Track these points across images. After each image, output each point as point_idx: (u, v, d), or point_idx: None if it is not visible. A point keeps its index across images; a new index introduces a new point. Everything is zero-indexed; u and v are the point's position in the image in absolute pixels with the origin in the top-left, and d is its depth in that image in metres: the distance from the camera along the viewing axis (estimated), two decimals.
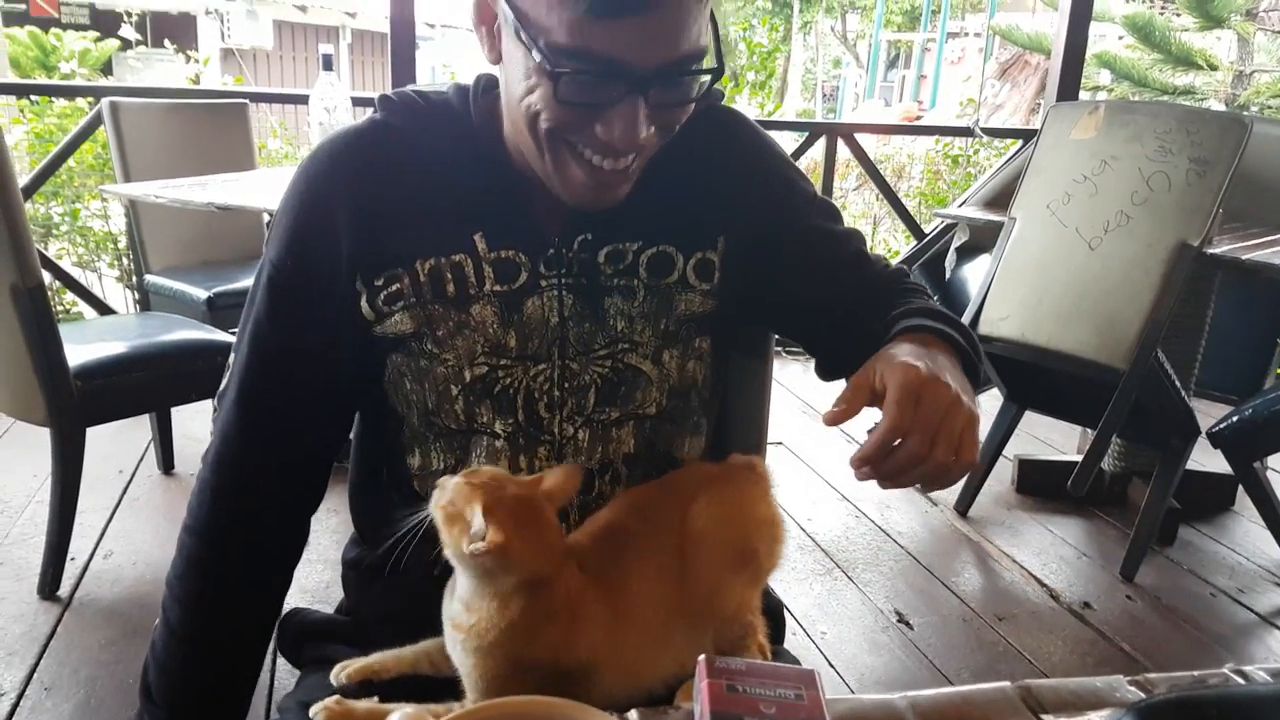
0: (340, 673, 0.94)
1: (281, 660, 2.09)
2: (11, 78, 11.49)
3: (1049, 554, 3.04)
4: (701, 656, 0.66)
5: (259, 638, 1.14)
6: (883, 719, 0.71)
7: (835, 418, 0.87)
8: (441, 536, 0.82)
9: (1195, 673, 0.68)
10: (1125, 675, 0.70)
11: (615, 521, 0.92)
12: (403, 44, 3.84)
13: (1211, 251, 2.68)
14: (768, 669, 0.64)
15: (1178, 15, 8.02)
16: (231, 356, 1.12)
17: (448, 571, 1.06)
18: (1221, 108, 7.50)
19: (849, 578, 2.82)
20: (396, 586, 1.12)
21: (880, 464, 0.86)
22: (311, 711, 0.86)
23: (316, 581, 2.50)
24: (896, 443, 0.85)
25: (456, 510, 0.80)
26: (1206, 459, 3.20)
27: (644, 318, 1.06)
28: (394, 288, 1.03)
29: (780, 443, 3.80)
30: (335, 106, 2.91)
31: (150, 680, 1.10)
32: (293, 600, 1.19)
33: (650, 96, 0.91)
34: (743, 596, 0.92)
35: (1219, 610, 2.76)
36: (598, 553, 0.88)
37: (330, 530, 2.64)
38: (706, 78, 0.95)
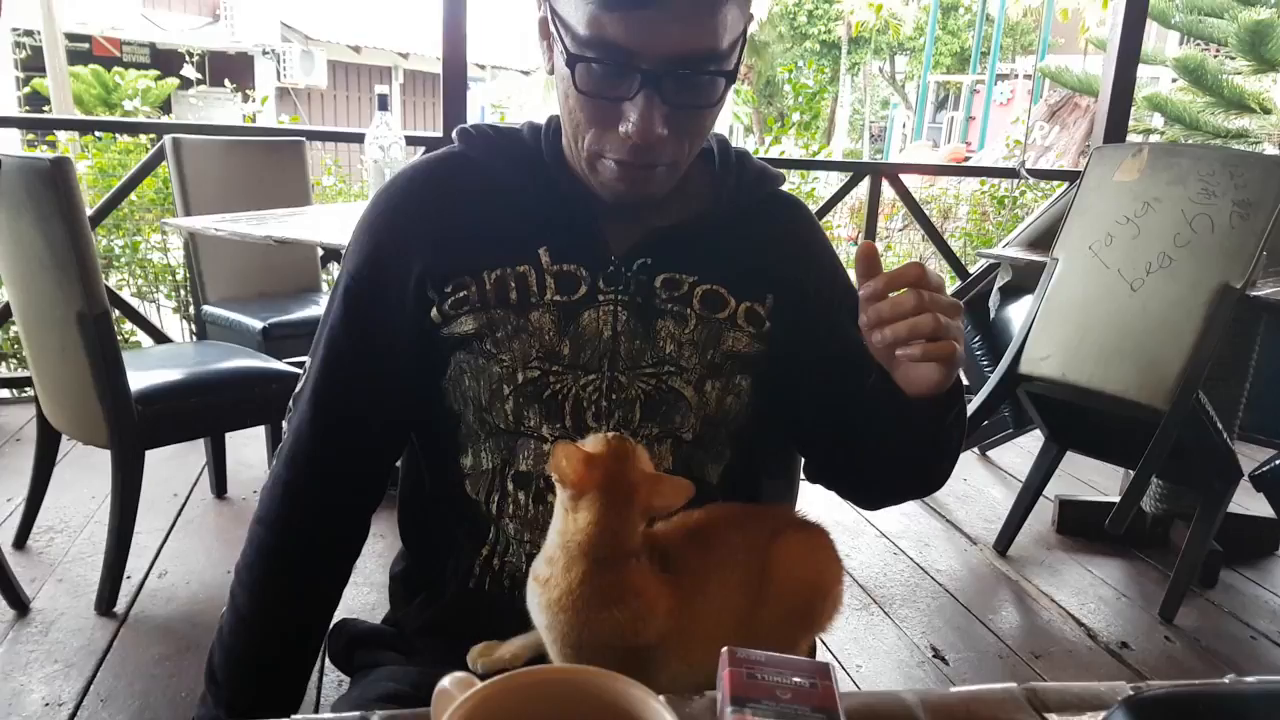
0: (476, 659, 0.95)
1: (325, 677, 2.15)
2: (75, 114, 11.82)
3: (1088, 594, 3.03)
4: (725, 648, 0.70)
5: (318, 626, 1.19)
6: (894, 713, 0.75)
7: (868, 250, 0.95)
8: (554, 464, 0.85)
9: (1197, 681, 0.71)
10: (1129, 682, 0.73)
11: (707, 524, 0.94)
12: (454, 84, 3.91)
13: (1254, 294, 2.68)
14: (786, 661, 0.68)
15: (1231, 59, 7.94)
16: (307, 360, 1.19)
17: (483, 582, 1.12)
18: (1275, 151, 7.43)
19: (886, 613, 2.84)
20: (437, 599, 1.18)
21: (883, 306, 0.93)
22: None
23: (363, 603, 2.56)
24: (893, 294, 0.93)
25: (579, 448, 0.84)
26: (1250, 502, 3.19)
27: (692, 345, 1.11)
28: (461, 294, 1.10)
29: None
30: (390, 145, 2.99)
31: (215, 663, 1.15)
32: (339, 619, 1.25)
33: (665, 93, 0.98)
34: (789, 637, 0.95)
35: (1259, 653, 2.75)
36: (684, 545, 0.90)
37: (376, 555, 2.71)
38: (722, 84, 1.01)
